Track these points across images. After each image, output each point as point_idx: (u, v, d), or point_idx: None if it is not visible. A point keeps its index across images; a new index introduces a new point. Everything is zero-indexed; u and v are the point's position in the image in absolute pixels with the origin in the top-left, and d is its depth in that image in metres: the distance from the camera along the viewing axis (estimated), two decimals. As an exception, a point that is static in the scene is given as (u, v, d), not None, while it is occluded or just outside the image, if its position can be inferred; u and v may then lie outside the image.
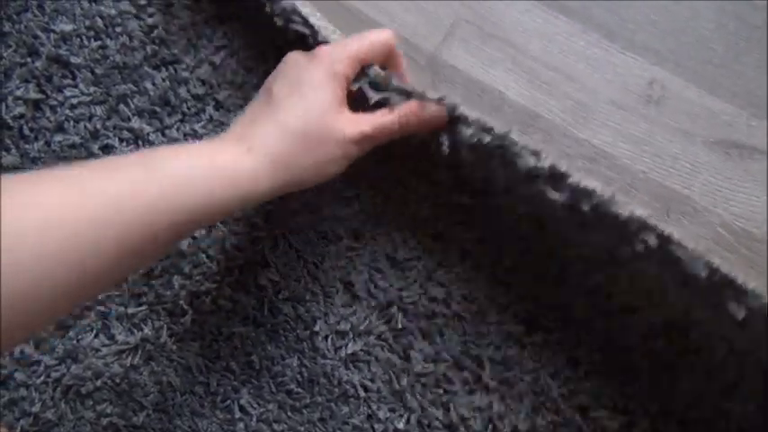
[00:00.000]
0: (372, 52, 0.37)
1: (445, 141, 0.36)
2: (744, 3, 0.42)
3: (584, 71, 0.43)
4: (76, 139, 0.49)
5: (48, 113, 0.50)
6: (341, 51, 0.36)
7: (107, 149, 0.48)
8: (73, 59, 0.49)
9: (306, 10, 0.41)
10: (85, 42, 0.50)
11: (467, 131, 0.35)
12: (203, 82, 0.47)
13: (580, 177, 0.34)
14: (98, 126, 0.48)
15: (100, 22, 0.49)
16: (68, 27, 0.50)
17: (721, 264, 0.32)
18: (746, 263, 0.41)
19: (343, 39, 0.39)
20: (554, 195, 0.34)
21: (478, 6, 0.45)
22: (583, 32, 0.44)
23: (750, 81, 0.42)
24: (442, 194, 0.43)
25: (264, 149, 0.34)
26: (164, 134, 0.47)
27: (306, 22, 0.40)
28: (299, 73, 0.36)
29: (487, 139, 0.35)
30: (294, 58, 0.37)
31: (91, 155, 0.48)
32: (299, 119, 0.34)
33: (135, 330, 0.47)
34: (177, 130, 0.47)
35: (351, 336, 0.43)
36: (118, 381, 0.46)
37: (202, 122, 0.47)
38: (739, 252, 0.41)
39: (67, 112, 0.49)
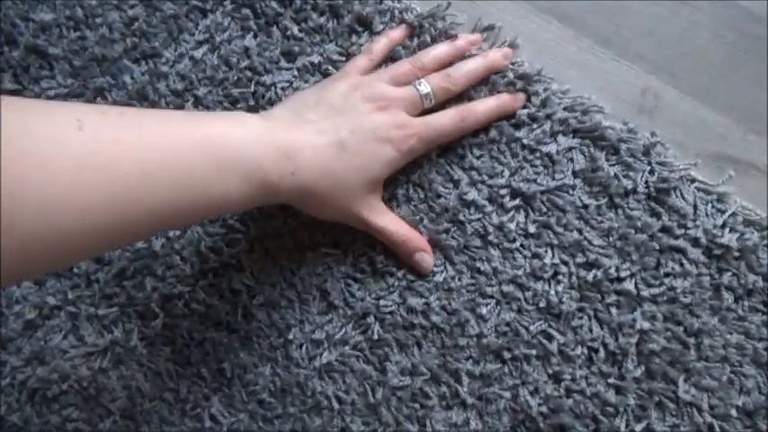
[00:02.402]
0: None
1: None
2: (743, 14, 0.41)
3: (577, 78, 0.42)
4: (52, 133, 0.47)
5: (24, 105, 0.48)
6: (432, 133, 0.39)
7: (82, 144, 0.47)
8: (51, 50, 0.48)
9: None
10: (65, 33, 0.48)
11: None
12: (183, 77, 0.46)
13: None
14: (74, 120, 0.47)
15: (80, 13, 0.48)
16: (48, 16, 0.48)
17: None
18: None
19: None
20: None
21: (472, 9, 0.43)
22: (576, 39, 0.42)
23: (747, 94, 0.40)
24: (423, 199, 0.42)
25: (301, 179, 0.36)
26: (141, 130, 0.46)
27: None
28: (375, 146, 0.37)
29: None
30: (393, 123, 0.38)
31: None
32: (355, 176, 0.37)
33: (105, 332, 0.45)
34: (155, 126, 0.46)
35: (326, 345, 0.42)
36: (85, 384, 0.45)
37: (180, 119, 0.45)
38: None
39: (44, 104, 0.48)
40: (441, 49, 0.41)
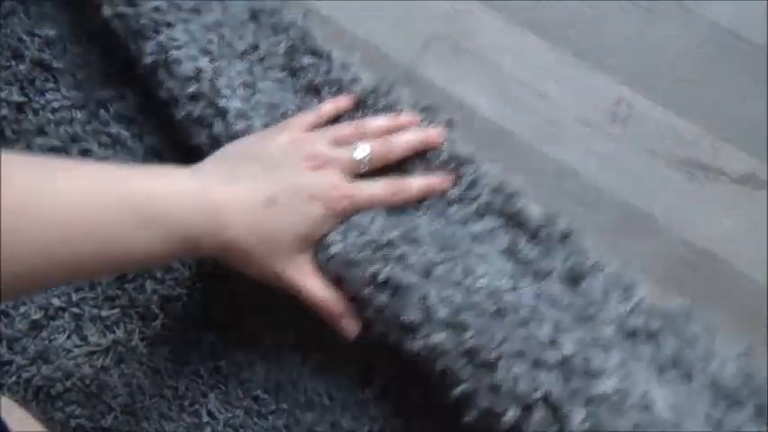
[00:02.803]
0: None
1: None
2: (711, 27, 0.43)
3: (554, 88, 0.44)
4: (56, 143, 0.49)
5: (30, 116, 0.50)
6: (363, 199, 0.39)
7: (86, 153, 0.49)
8: (55, 64, 0.50)
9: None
10: (68, 47, 0.50)
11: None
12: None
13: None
14: (78, 130, 0.49)
15: (82, 29, 0.50)
16: (52, 32, 0.51)
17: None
18: (708, 283, 0.41)
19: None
20: None
21: (454, 22, 0.46)
22: (553, 51, 0.44)
23: (717, 103, 0.42)
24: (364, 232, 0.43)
25: (226, 235, 0.36)
26: (141, 140, 0.48)
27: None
28: (306, 204, 0.38)
29: None
30: (326, 183, 0.39)
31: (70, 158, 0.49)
32: (281, 235, 0.38)
33: (107, 332, 0.47)
34: (154, 136, 0.48)
35: (316, 346, 0.44)
36: (87, 382, 0.47)
37: (178, 129, 0.48)
38: (701, 272, 0.41)
39: (49, 115, 0.50)
40: (382, 121, 0.43)
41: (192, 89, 0.44)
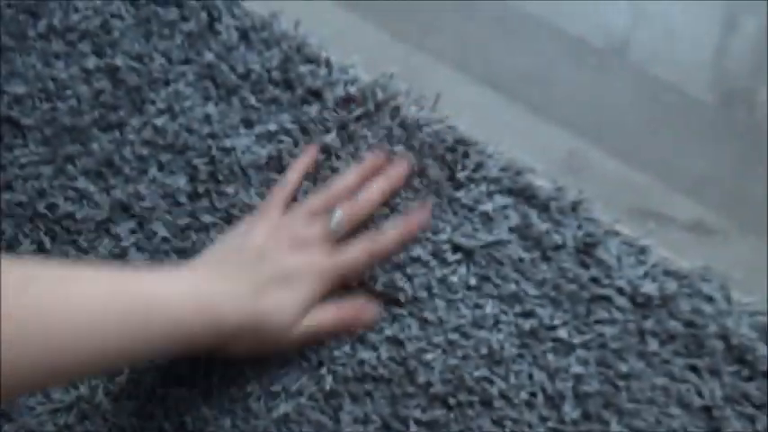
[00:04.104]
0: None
1: None
2: (656, 83, 0.45)
3: (510, 141, 0.45)
4: (23, 198, 0.50)
5: (-2, 172, 0.51)
6: (348, 266, 0.43)
7: (52, 208, 0.49)
8: (24, 120, 0.51)
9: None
10: (37, 104, 0.51)
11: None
12: (147, 143, 0.49)
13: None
14: (45, 185, 0.50)
15: (51, 85, 0.51)
16: (21, 89, 0.52)
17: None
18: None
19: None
20: None
21: (412, 76, 0.47)
22: (508, 105, 0.46)
23: (666, 154, 0.44)
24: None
25: (224, 328, 0.39)
26: (108, 194, 0.49)
27: None
28: (296, 284, 0.41)
29: None
30: (310, 263, 0.42)
31: (36, 214, 0.49)
32: (277, 317, 0.40)
33: (71, 389, 0.47)
34: (121, 190, 0.49)
35: (282, 397, 0.44)
36: (51, 441, 0.46)
37: (145, 183, 0.48)
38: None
39: (17, 170, 0.51)
40: (349, 178, 0.45)
41: (205, 131, 0.48)
